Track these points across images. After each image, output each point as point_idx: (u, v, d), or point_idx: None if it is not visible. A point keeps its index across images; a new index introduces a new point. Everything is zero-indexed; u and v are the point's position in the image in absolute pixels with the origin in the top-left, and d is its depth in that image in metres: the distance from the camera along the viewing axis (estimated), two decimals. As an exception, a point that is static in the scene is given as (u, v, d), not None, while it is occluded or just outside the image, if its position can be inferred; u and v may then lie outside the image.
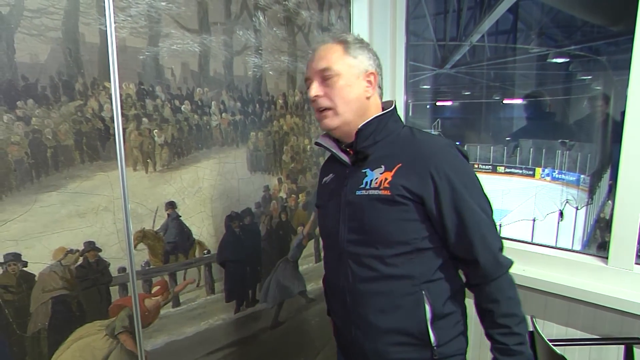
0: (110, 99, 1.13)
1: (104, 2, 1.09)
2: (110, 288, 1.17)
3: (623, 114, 1.40)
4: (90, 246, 1.12)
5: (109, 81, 1.12)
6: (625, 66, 1.36)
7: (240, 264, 1.48)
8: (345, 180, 1.04)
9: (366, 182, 0.99)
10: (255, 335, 1.56)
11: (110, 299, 1.18)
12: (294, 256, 1.68)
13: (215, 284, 1.41)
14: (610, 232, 1.42)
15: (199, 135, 1.31)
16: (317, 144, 1.11)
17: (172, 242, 1.29)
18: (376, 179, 0.97)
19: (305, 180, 1.67)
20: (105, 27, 1.10)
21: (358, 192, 0.99)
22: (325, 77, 1.00)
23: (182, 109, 1.27)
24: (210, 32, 1.30)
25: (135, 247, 1.21)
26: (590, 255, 1.49)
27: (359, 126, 1.01)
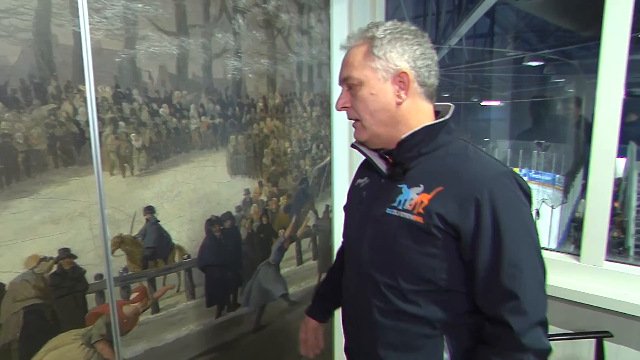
0: (85, 102, 1.10)
1: (78, 3, 1.07)
2: (87, 296, 1.15)
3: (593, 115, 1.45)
4: (65, 253, 1.09)
5: (84, 84, 1.10)
6: (594, 69, 1.41)
7: (221, 268, 1.47)
8: (378, 192, 0.91)
9: (399, 201, 0.85)
10: (237, 340, 1.54)
11: (86, 307, 1.15)
12: (276, 259, 1.68)
13: (196, 288, 1.39)
14: (582, 229, 1.47)
15: (177, 138, 1.30)
16: (353, 146, 0.98)
17: (150, 248, 1.26)
18: (411, 199, 0.83)
19: (286, 183, 1.67)
20: (79, 28, 1.08)
21: (388, 210, 0.86)
22: (349, 86, 0.88)
23: (160, 112, 1.25)
24: (189, 35, 1.29)
25: (112, 253, 1.18)
26: (564, 253, 1.54)
27: (402, 136, 0.86)
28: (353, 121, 0.92)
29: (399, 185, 0.86)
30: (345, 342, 1.04)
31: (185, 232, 1.34)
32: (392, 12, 2.10)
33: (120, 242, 1.20)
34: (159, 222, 1.27)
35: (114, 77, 1.15)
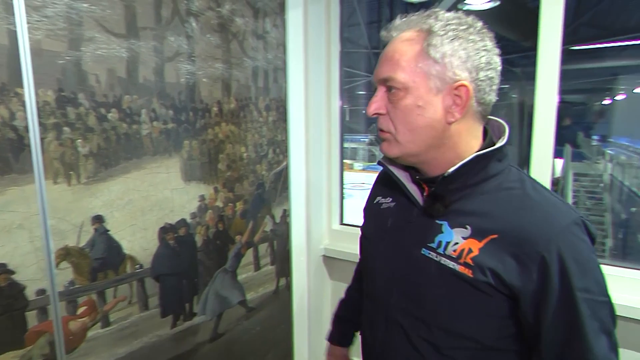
0: (24, 106, 1.04)
1: (12, 0, 1.00)
2: (27, 313, 1.08)
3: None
4: (1, 269, 1.02)
5: (22, 87, 1.03)
6: (534, 77, 1.52)
7: (175, 276, 1.43)
8: (408, 223, 0.76)
9: (439, 242, 0.70)
10: (194, 350, 1.51)
11: (26, 326, 1.08)
12: (232, 266, 1.66)
13: (149, 299, 1.34)
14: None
15: (128, 144, 1.25)
16: (380, 163, 0.81)
17: (100, 259, 1.21)
18: (455, 243, 0.68)
19: (242, 189, 1.66)
20: (15, 27, 1.01)
21: (425, 251, 0.71)
22: (389, 89, 0.71)
23: (109, 117, 1.20)
24: (139, 37, 1.25)
25: (57, 266, 1.12)
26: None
27: (448, 171, 0.69)
28: (380, 130, 0.74)
29: (438, 222, 0.71)
30: None
31: (137, 241, 1.29)
32: (348, 17, 2.14)
33: (66, 254, 1.14)
34: (109, 232, 1.22)
35: (57, 80, 1.09)
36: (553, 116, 1.49)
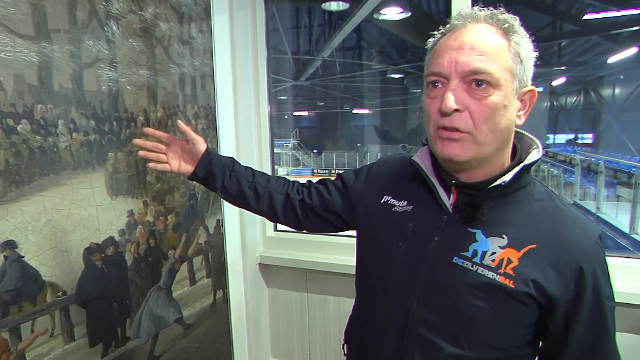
0: None
1: None
2: None
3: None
4: None
5: None
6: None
7: (105, 300, 1.31)
8: (436, 230, 0.72)
9: (474, 251, 0.68)
10: (127, 378, 1.39)
11: None
12: (167, 283, 1.57)
13: (75, 328, 1.21)
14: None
15: (43, 159, 1.12)
16: (413, 164, 0.77)
17: (12, 290, 1.06)
18: (493, 253, 0.67)
19: (173, 201, 1.58)
20: None
21: (457, 260, 0.69)
22: (478, 82, 0.64)
23: (19, 129, 1.07)
24: (52, 41, 1.13)
25: (-41, 302, 0.96)
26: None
27: (505, 179, 0.67)
28: (448, 130, 0.66)
29: (471, 230, 0.69)
30: None
31: (58, 266, 1.16)
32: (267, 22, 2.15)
33: (-30, 287, 0.99)
34: (23, 258, 1.08)
35: (-50, 88, 0.95)
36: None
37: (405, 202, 0.79)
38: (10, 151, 1.06)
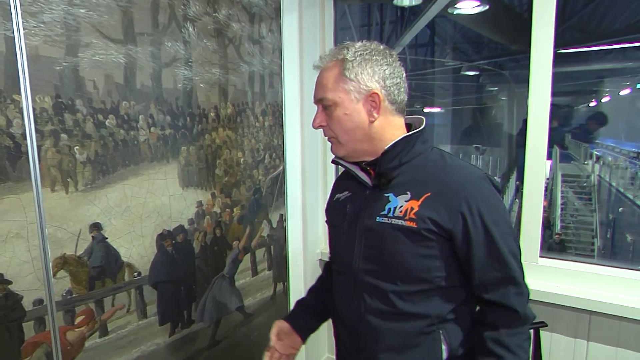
0: (21, 113, 1.02)
1: (10, 6, 0.99)
2: (24, 324, 1.06)
3: (525, 121, 1.59)
4: (-1, 278, 1.00)
5: (19, 94, 1.02)
6: (523, 79, 1.54)
7: (173, 284, 1.41)
8: (364, 202, 0.95)
9: (389, 209, 0.89)
10: (192, 357, 1.49)
11: (23, 337, 1.06)
12: (230, 272, 1.65)
13: (148, 307, 1.33)
14: (519, 229, 1.59)
15: (125, 151, 1.24)
16: (334, 162, 1.01)
17: (97, 267, 1.19)
18: (401, 207, 0.88)
19: (239, 194, 1.65)
20: (13, 33, 1.00)
21: (379, 219, 0.90)
22: (325, 107, 0.92)
23: (107, 123, 1.19)
24: (137, 43, 1.24)
25: (54, 275, 1.10)
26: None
27: (385, 148, 0.91)
28: (328, 138, 0.96)
29: (386, 195, 0.91)
30: (338, 353, 1.08)
31: (135, 249, 1.28)
32: (339, 20, 2.15)
33: (64, 262, 1.12)
34: (107, 240, 1.21)
35: (54, 87, 1.08)
36: (546, 118, 1.51)
37: (347, 192, 1.02)
38: (99, 143, 1.18)
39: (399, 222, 0.87)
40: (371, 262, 0.92)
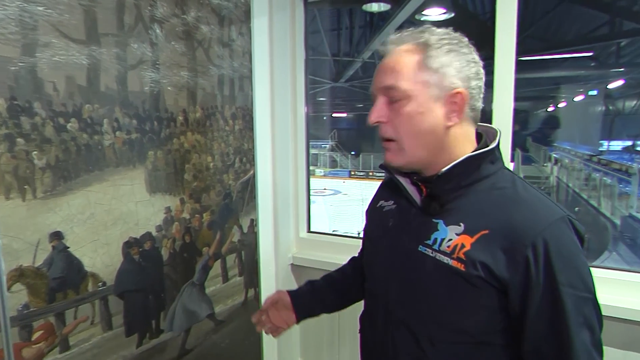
0: (-27, 116, 0.96)
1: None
2: (-23, 340, 0.99)
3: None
4: (-51, 293, 0.93)
5: (-29, 96, 0.95)
6: (487, 85, 1.60)
7: (141, 293, 1.36)
8: (407, 223, 0.80)
9: (435, 239, 0.74)
10: (160, 369, 1.44)
11: (-24, 354, 0.99)
12: (200, 279, 1.61)
13: (113, 318, 1.28)
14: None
15: (89, 156, 1.19)
16: (381, 167, 0.85)
17: (58, 278, 1.13)
18: (449, 240, 0.72)
19: (209, 199, 1.62)
20: (-37, 31, 0.94)
21: (422, 249, 0.75)
22: (392, 98, 0.74)
23: (68, 127, 1.14)
24: (100, 44, 1.19)
25: (9, 288, 1.03)
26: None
27: (442, 170, 0.74)
28: (384, 140, 0.77)
29: (434, 221, 0.75)
30: None
31: (99, 258, 1.22)
32: (308, 24, 2.16)
33: (20, 275, 1.06)
34: (69, 249, 1.15)
35: (8, 88, 1.02)
36: (510, 122, 1.57)
37: (392, 202, 0.87)
38: (60, 148, 1.12)
39: (444, 259, 0.72)
40: (406, 295, 0.78)
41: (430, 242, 0.75)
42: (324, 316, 2.23)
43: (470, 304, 0.72)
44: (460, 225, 0.73)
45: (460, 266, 0.70)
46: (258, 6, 1.77)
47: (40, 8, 1.06)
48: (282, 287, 2.03)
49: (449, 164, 0.75)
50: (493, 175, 0.75)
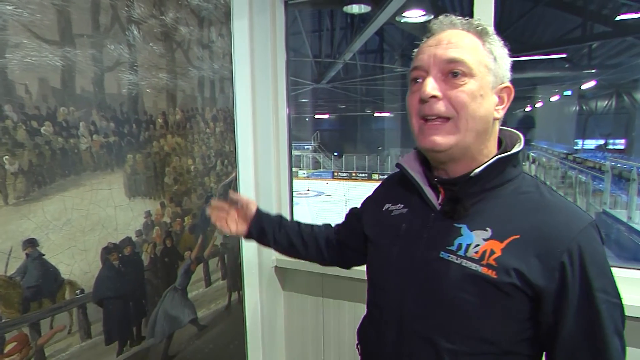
0: (-60, 120, 0.92)
1: None
2: (-53, 354, 0.95)
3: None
4: None
5: (-63, 99, 0.92)
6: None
7: (121, 299, 1.33)
8: (425, 228, 0.75)
9: (459, 245, 0.69)
10: (142, 377, 1.41)
11: (-54, 368, 0.95)
12: (182, 283, 1.58)
13: (92, 326, 1.24)
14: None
15: (65, 160, 1.15)
16: (398, 165, 0.81)
17: (33, 287, 1.10)
18: (477, 245, 0.68)
19: (190, 202, 1.60)
20: None
21: (444, 255, 0.70)
22: (454, 73, 0.68)
23: (42, 131, 1.10)
24: (75, 45, 1.16)
25: (-19, 298, 1.00)
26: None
27: (475, 171, 0.70)
28: (428, 120, 0.70)
29: (457, 225, 0.71)
30: None
31: (77, 264, 1.19)
32: (289, 25, 2.16)
33: (-8, 284, 1.02)
34: (44, 256, 1.11)
35: (-22, 91, 0.98)
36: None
37: (402, 206, 0.82)
38: (34, 152, 1.09)
39: (472, 265, 0.67)
40: (425, 309, 0.72)
41: (454, 247, 0.70)
42: (308, 318, 2.23)
43: (500, 312, 0.68)
44: (487, 230, 0.69)
45: (491, 273, 0.66)
46: (238, 7, 1.76)
47: (10, 7, 1.03)
48: (266, 289, 2.02)
49: (476, 164, 0.72)
50: (515, 179, 0.73)
